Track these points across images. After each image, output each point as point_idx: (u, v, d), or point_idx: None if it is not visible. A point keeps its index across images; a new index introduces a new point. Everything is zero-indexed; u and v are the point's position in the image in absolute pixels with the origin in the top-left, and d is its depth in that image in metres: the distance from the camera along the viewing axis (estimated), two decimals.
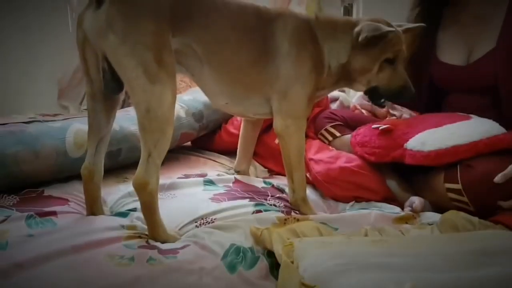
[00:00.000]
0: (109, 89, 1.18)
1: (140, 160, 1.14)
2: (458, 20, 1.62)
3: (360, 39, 1.33)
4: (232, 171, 1.74)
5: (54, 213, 1.25)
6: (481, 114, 1.49)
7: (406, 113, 2.18)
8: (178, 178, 1.59)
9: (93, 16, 1.10)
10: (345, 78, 1.43)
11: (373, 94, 1.45)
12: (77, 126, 1.54)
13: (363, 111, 2.09)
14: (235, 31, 1.28)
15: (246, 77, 1.33)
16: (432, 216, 1.37)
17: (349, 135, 1.70)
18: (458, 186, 1.36)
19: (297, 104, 1.37)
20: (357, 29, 1.35)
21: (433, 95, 1.77)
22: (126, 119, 1.67)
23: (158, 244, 1.14)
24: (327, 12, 2.64)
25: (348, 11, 2.84)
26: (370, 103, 2.16)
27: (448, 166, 1.41)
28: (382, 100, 1.47)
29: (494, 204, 1.32)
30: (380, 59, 1.37)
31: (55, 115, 2.00)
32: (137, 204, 1.20)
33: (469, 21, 1.57)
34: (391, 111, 2.15)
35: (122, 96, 1.28)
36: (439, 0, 1.66)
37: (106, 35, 1.08)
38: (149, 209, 1.16)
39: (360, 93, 2.24)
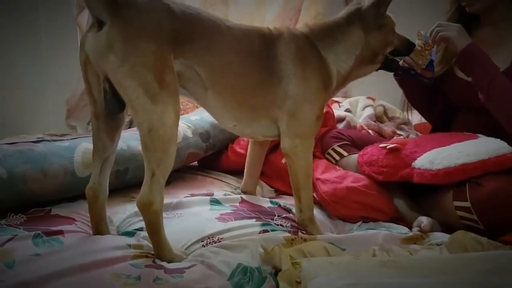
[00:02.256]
0: (110, 109, 1.19)
1: (144, 180, 1.14)
2: (480, 39, 1.63)
3: (382, 11, 1.42)
4: (239, 190, 1.74)
5: (61, 232, 1.25)
6: (492, 133, 1.49)
7: (412, 133, 2.18)
8: (185, 197, 1.59)
9: (94, 37, 1.12)
10: (362, 67, 1.47)
11: (389, 63, 1.53)
12: (85, 146, 1.55)
13: (370, 131, 2.10)
14: (238, 55, 1.29)
15: (252, 99, 1.34)
16: (440, 237, 1.36)
17: (356, 155, 1.69)
18: (467, 204, 1.36)
19: (306, 123, 1.38)
20: (368, 10, 1.41)
21: (446, 110, 1.77)
22: (133, 139, 1.68)
23: (164, 263, 1.13)
24: None
25: None
26: (376, 123, 2.17)
27: (456, 185, 1.40)
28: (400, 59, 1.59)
29: (503, 222, 1.32)
30: (394, 26, 1.47)
31: (63, 135, 2.01)
32: (144, 224, 1.20)
33: (489, 40, 1.59)
34: (397, 131, 2.16)
35: (126, 116, 1.28)
36: (472, 20, 1.68)
37: (107, 56, 1.10)
38: (154, 229, 1.16)
39: (367, 113, 2.25)
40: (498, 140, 1.44)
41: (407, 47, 1.55)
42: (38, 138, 1.68)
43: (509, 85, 1.47)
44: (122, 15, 1.11)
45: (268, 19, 2.58)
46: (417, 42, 1.61)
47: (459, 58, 1.54)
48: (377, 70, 1.55)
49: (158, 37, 1.14)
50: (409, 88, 1.81)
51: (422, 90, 1.78)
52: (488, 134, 1.50)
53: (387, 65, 1.54)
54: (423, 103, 1.87)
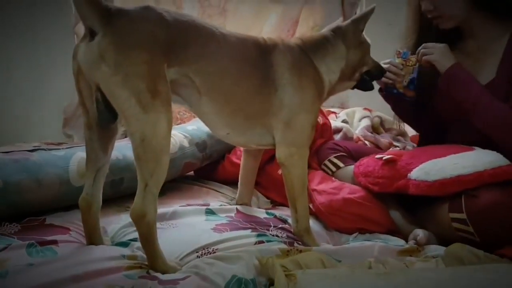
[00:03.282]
0: (103, 119, 1.18)
1: (137, 191, 1.13)
2: (463, 51, 1.64)
3: (361, 29, 1.48)
4: (235, 201, 1.73)
5: (55, 242, 1.25)
6: (485, 145, 1.49)
7: (409, 144, 2.18)
8: (180, 207, 1.58)
9: (86, 47, 1.12)
10: (342, 81, 1.51)
11: (364, 82, 1.57)
12: (80, 155, 1.54)
13: (366, 142, 2.10)
14: (234, 62, 1.30)
15: (247, 107, 1.34)
16: (436, 249, 1.35)
17: (352, 166, 1.69)
18: (463, 215, 1.35)
19: (302, 132, 1.38)
20: (347, 27, 1.48)
21: (437, 125, 1.77)
22: (128, 148, 1.66)
23: (158, 274, 1.13)
24: None
25: None
26: (373, 135, 2.18)
27: (452, 196, 1.40)
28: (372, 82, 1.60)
29: (499, 234, 1.31)
30: (369, 46, 1.53)
31: (59, 144, 2.00)
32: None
33: (474, 52, 1.59)
34: (394, 143, 2.16)
35: (120, 127, 1.28)
36: (449, 34, 1.68)
37: (98, 66, 1.09)
38: (148, 240, 1.15)
39: (364, 125, 2.25)
40: (494, 152, 1.44)
41: (380, 71, 1.61)
42: (34, 146, 1.68)
43: (493, 104, 1.49)
44: (115, 25, 1.11)
45: (266, 31, 2.59)
46: (397, 60, 1.63)
47: (441, 81, 1.55)
48: (352, 88, 1.59)
49: (151, 46, 1.13)
50: (393, 103, 1.83)
51: (407, 105, 1.79)
52: (481, 146, 1.50)
53: (363, 84, 1.58)
54: (410, 116, 1.88)
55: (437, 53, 1.56)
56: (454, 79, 1.52)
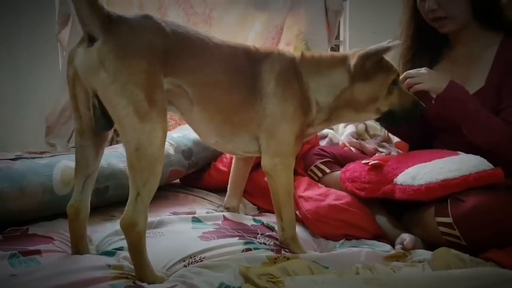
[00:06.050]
0: (99, 126, 1.18)
1: (129, 199, 1.12)
2: (452, 59, 1.66)
3: (367, 65, 1.37)
4: (222, 208, 1.72)
5: (38, 252, 1.23)
6: (471, 152, 1.50)
7: (394, 151, 2.20)
8: (167, 216, 1.57)
9: (85, 53, 1.11)
10: (348, 111, 1.45)
11: (387, 120, 1.47)
12: (64, 163, 1.52)
13: (352, 148, 2.11)
14: (226, 73, 1.31)
15: (235, 116, 1.35)
16: (423, 254, 1.36)
17: (338, 172, 1.70)
18: (449, 219, 1.36)
19: (285, 142, 1.38)
20: (354, 61, 1.38)
21: (425, 132, 1.78)
22: (114, 156, 1.66)
23: (145, 284, 1.11)
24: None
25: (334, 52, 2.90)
26: (358, 141, 2.19)
27: (438, 201, 1.41)
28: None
29: (485, 237, 1.33)
30: (388, 82, 1.41)
31: (42, 152, 1.98)
32: (124, 243, 1.18)
33: (461, 60, 1.61)
34: (379, 149, 2.17)
35: (110, 133, 1.27)
36: (438, 40, 1.69)
37: (97, 72, 1.09)
38: (137, 249, 1.14)
39: (349, 131, 2.26)
40: (478, 157, 1.45)
41: (405, 116, 1.45)
42: (16, 155, 1.65)
43: (491, 120, 1.50)
44: (115, 32, 1.11)
45: (251, 38, 2.59)
46: None
47: (438, 102, 1.53)
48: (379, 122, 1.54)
49: (149, 55, 1.14)
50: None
51: None
52: (468, 151, 1.51)
53: (384, 121, 1.50)
54: (401, 131, 1.88)
55: (427, 80, 1.52)
56: (452, 99, 1.51)
